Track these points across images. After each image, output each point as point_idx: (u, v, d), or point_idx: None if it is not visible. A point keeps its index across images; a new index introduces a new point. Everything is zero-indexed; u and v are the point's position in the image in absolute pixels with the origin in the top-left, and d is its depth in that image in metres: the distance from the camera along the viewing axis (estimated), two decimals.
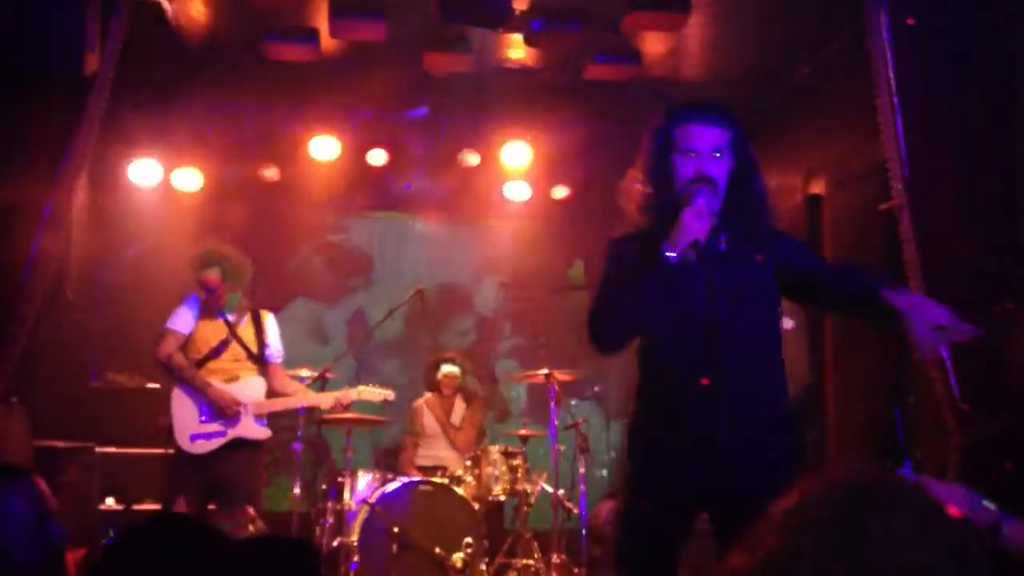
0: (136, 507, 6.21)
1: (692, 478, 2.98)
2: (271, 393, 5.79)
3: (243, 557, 2.12)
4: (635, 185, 3.17)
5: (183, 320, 5.66)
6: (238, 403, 5.51)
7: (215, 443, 5.48)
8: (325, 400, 5.87)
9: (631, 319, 3.06)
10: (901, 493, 1.12)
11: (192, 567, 1.95)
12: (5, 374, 4.52)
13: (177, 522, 2.17)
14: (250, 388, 5.61)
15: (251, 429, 5.56)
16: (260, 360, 5.71)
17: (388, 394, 6.16)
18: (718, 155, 3.08)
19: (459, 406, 7.12)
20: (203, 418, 5.52)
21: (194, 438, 5.47)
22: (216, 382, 5.56)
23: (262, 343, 5.74)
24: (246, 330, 5.74)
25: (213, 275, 5.64)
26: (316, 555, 2.36)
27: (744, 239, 3.10)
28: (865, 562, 1.05)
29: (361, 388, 6.07)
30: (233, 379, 5.61)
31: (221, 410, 5.49)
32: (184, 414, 5.52)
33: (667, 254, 2.97)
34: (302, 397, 5.83)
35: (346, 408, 5.99)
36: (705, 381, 2.95)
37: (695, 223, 2.98)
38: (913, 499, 1.11)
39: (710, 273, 3.04)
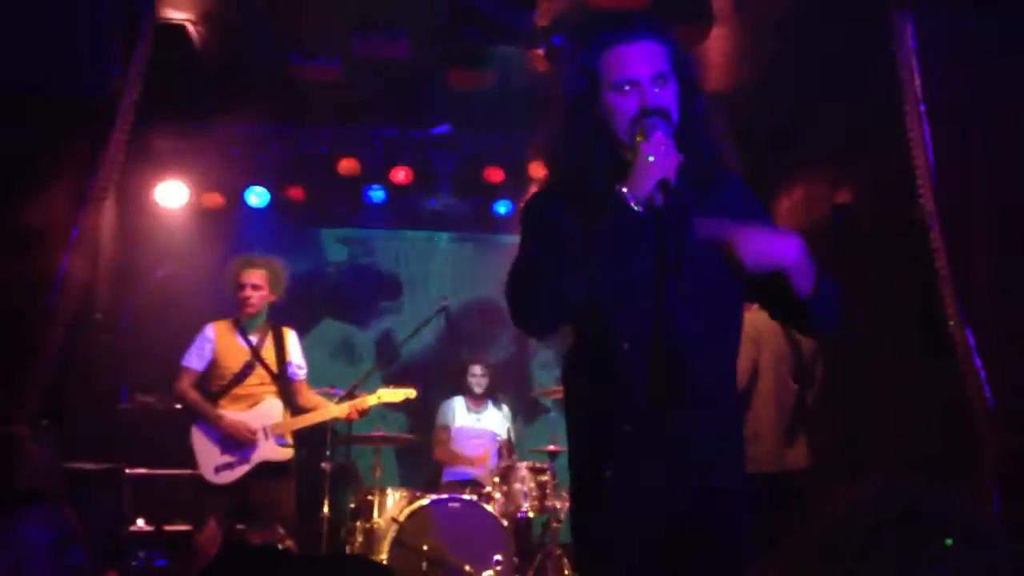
0: (167, 528, 6.21)
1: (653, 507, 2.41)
2: (297, 410, 5.82)
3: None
4: (553, 143, 2.53)
5: (196, 356, 5.78)
6: (252, 430, 5.55)
7: (240, 471, 5.54)
8: (341, 410, 5.82)
9: (571, 289, 2.37)
10: (952, 514, 1.10)
11: None
12: (35, 396, 4.54)
13: (265, 552, 2.16)
14: (267, 411, 5.64)
15: (273, 451, 5.58)
16: (283, 380, 5.73)
17: (409, 393, 6.10)
18: (662, 81, 2.42)
19: (491, 409, 7.17)
20: (223, 449, 5.57)
21: (218, 469, 5.56)
22: (229, 412, 5.62)
23: (284, 362, 5.76)
24: (268, 351, 5.77)
25: (260, 276, 5.72)
26: None
27: (699, 183, 2.41)
28: None
29: (381, 391, 6.02)
30: (256, 404, 5.64)
31: (236, 439, 5.52)
32: (205, 448, 5.61)
33: (629, 199, 2.31)
34: (322, 412, 5.82)
35: (365, 414, 5.90)
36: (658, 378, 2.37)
37: (662, 158, 2.30)
38: (964, 519, 1.09)
39: (672, 226, 2.35)
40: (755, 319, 5.42)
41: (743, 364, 5.28)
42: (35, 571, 2.42)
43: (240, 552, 2.19)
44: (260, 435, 5.56)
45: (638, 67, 2.42)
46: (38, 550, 2.45)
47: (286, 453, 5.63)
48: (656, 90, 2.41)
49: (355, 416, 5.85)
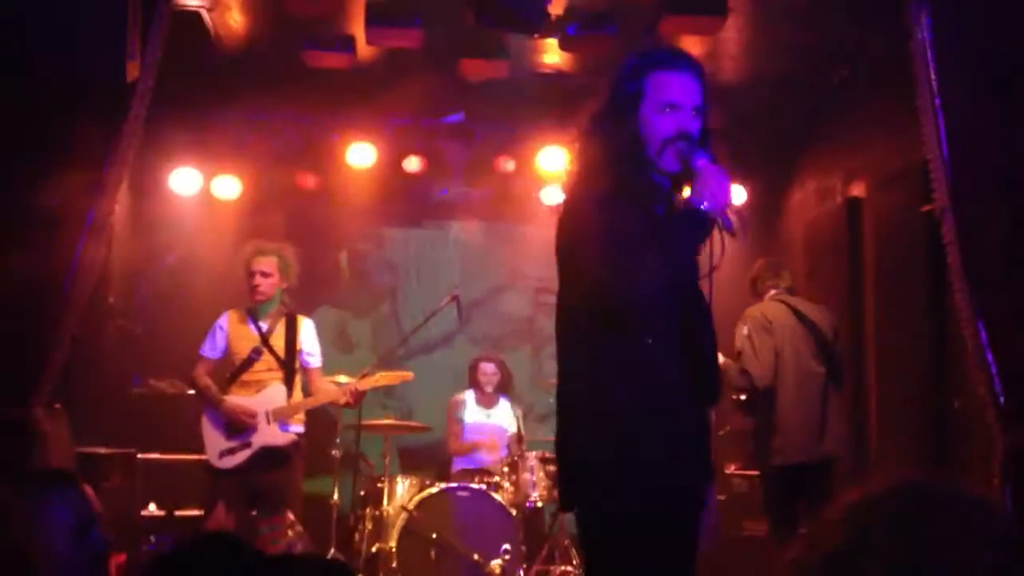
0: (178, 513, 6.26)
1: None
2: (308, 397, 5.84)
3: None
4: (596, 144, 2.76)
5: (210, 345, 5.83)
6: (251, 414, 5.57)
7: (241, 456, 5.56)
8: (338, 393, 5.79)
9: (655, 285, 2.59)
10: (966, 495, 1.12)
11: None
12: (49, 381, 4.57)
13: (216, 544, 2.16)
14: (271, 396, 5.65)
15: (274, 436, 5.59)
16: (289, 366, 5.74)
17: (406, 376, 6.11)
18: (696, 113, 2.72)
19: (502, 404, 7.18)
20: (226, 434, 5.61)
21: (222, 454, 5.59)
22: (235, 397, 5.64)
23: (292, 349, 5.76)
24: (278, 338, 5.77)
25: (270, 263, 5.73)
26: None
27: None
28: (936, 558, 1.05)
29: (379, 374, 6.00)
30: (262, 389, 5.66)
31: (237, 424, 5.55)
32: (211, 433, 5.65)
33: (706, 209, 2.56)
34: (320, 396, 5.81)
35: (361, 398, 5.84)
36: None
37: (725, 180, 2.60)
38: (977, 503, 1.11)
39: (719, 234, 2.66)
40: (766, 309, 5.41)
41: (766, 356, 5.24)
42: (59, 552, 2.44)
43: (197, 543, 2.19)
44: (261, 419, 5.58)
45: (683, 95, 2.70)
46: (63, 531, 2.47)
47: (287, 438, 5.63)
48: (691, 120, 2.70)
49: (351, 400, 5.81)
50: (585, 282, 2.64)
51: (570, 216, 2.74)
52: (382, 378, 5.98)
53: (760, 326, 5.25)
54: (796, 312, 5.34)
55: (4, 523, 2.32)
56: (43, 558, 2.41)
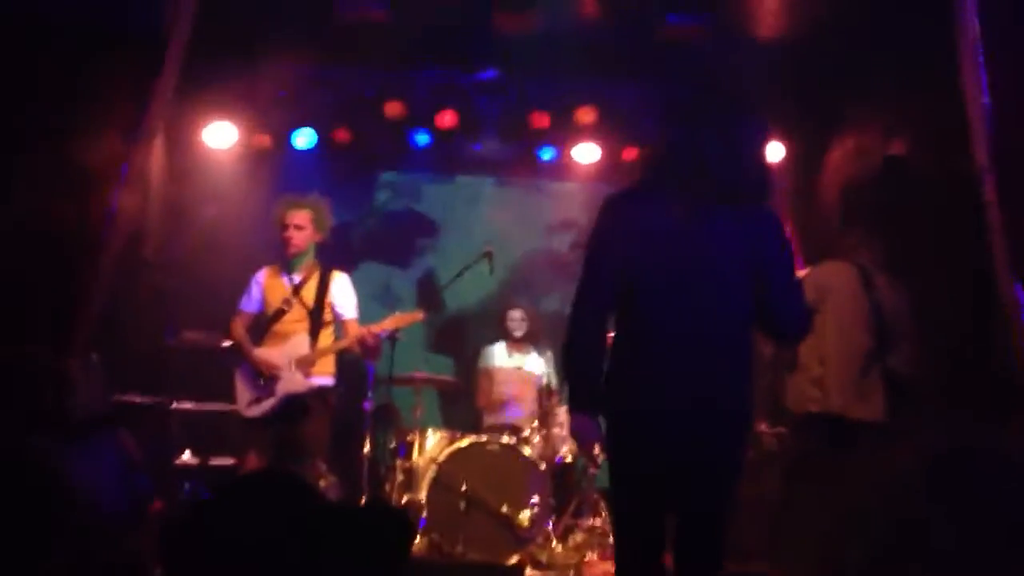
0: (212, 462, 6.34)
1: None
2: None
3: (347, 522, 2.09)
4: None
5: (247, 299, 5.94)
6: (274, 364, 5.62)
7: (267, 405, 5.65)
8: (349, 339, 5.81)
9: None
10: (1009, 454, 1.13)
11: (296, 528, 1.94)
12: (84, 330, 4.63)
13: (283, 480, 2.14)
14: (295, 347, 5.70)
15: (297, 384, 5.65)
16: (316, 318, 5.77)
17: (417, 315, 6.08)
18: None
19: (533, 355, 7.17)
20: (253, 385, 5.72)
21: (250, 404, 5.71)
22: (264, 348, 5.75)
23: (322, 301, 5.80)
24: (309, 290, 5.82)
25: (303, 215, 5.78)
26: (411, 527, 2.36)
27: None
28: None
29: (390, 318, 5.95)
30: (288, 340, 5.72)
31: (262, 374, 5.63)
32: (241, 384, 5.77)
33: None
34: (337, 343, 5.85)
35: (375, 342, 5.85)
36: None
37: None
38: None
39: None
40: (836, 268, 5.37)
41: None
42: (108, 493, 2.48)
43: (264, 479, 2.17)
44: (285, 369, 5.64)
45: None
46: (113, 473, 2.52)
47: (311, 386, 5.67)
48: None
49: (366, 345, 5.81)
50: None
51: None
52: (392, 320, 5.94)
53: (813, 285, 5.21)
54: (866, 282, 5.29)
55: (43, 470, 2.35)
56: (90, 500, 2.45)
